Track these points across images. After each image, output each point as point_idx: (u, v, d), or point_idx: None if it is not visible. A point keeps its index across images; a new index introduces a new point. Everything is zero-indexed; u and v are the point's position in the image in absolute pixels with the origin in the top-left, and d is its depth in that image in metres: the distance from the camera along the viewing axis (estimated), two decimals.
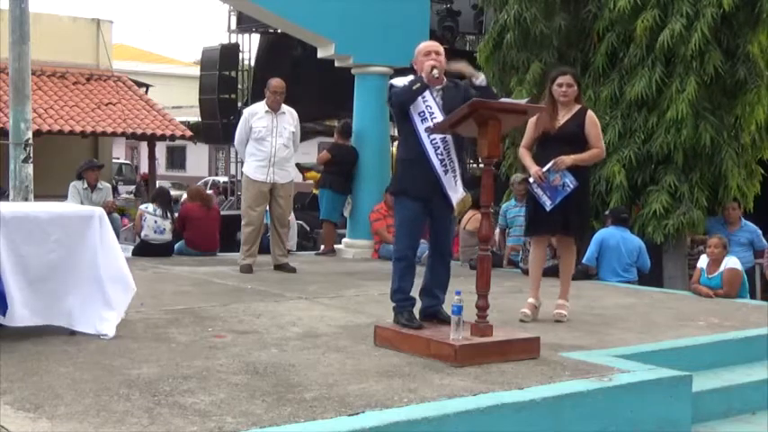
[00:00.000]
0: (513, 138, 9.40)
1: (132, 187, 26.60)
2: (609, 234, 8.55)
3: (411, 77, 5.03)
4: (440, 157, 4.95)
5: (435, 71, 4.91)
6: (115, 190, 17.71)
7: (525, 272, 8.48)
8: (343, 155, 10.55)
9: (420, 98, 4.97)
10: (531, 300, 6.08)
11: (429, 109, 4.97)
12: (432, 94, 5.01)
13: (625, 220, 8.75)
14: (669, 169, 9.04)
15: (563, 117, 5.98)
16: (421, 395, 3.87)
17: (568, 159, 5.81)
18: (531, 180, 5.98)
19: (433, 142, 4.95)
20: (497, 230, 9.44)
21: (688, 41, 8.66)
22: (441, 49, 5.13)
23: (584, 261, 8.44)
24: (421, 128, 4.97)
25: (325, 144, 15.98)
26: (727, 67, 8.89)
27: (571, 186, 5.80)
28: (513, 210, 9.47)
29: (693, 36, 8.61)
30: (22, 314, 4.63)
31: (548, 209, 5.86)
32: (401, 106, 5.03)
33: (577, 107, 6.03)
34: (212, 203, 10.50)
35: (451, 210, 5.02)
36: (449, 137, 4.96)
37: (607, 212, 8.99)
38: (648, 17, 8.86)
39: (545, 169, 5.83)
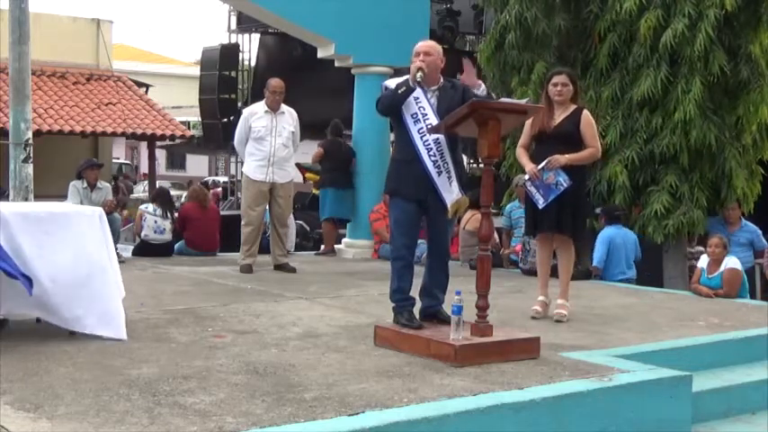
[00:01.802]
0: (514, 137, 9.38)
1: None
2: (614, 233, 8.60)
3: (403, 78, 5.03)
4: (432, 158, 4.94)
5: (419, 74, 4.87)
6: None
7: (525, 272, 8.50)
8: (335, 150, 10.57)
9: (413, 99, 4.95)
10: (541, 297, 6.12)
11: (422, 110, 4.96)
12: (426, 95, 4.99)
13: (618, 217, 8.79)
14: (670, 169, 9.04)
15: (559, 116, 6.01)
16: (421, 395, 3.87)
17: (562, 158, 5.83)
18: (526, 178, 6.01)
19: (426, 143, 4.94)
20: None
21: (693, 42, 8.65)
22: (432, 48, 5.06)
23: (594, 264, 8.45)
24: (413, 129, 4.96)
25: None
26: (730, 68, 8.89)
27: (564, 185, 5.82)
28: (517, 211, 9.47)
29: (698, 37, 8.61)
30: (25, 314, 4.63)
31: (540, 207, 5.90)
32: (387, 110, 5.03)
33: (573, 107, 6.05)
34: (208, 202, 10.44)
35: (446, 210, 5.01)
36: (442, 138, 4.93)
37: (599, 211, 8.99)
38: (652, 17, 8.85)
39: (539, 167, 5.85)
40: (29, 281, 4.49)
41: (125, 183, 24.00)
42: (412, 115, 4.96)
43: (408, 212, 5.03)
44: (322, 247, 10.90)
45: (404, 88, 4.90)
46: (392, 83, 5.08)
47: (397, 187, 5.08)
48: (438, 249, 5.18)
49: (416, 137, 4.94)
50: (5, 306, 4.61)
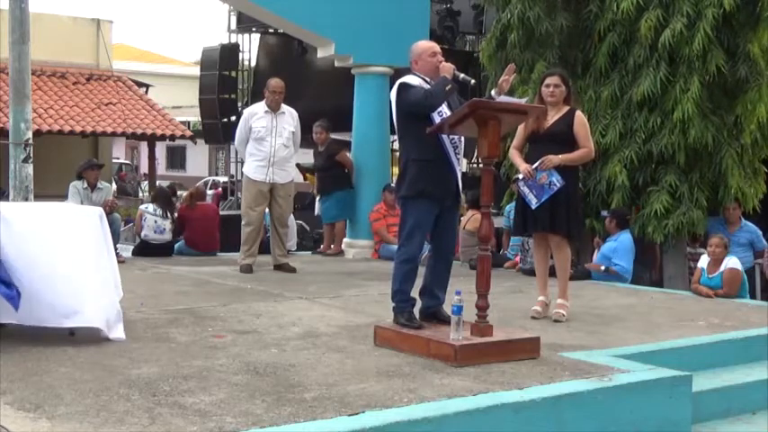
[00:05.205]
0: (513, 138, 9.38)
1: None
2: (630, 238, 8.59)
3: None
4: (458, 156, 5.03)
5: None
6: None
7: (524, 272, 8.50)
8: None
9: None
10: (540, 297, 6.14)
11: (443, 107, 5.00)
12: None
13: (628, 221, 8.80)
14: (669, 169, 9.03)
15: (552, 117, 6.05)
16: (421, 395, 3.87)
17: (556, 159, 5.86)
18: (519, 177, 6.04)
19: (453, 142, 4.98)
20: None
21: (691, 41, 8.65)
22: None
23: (625, 275, 8.40)
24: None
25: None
26: (728, 67, 8.88)
27: (557, 185, 5.84)
28: None
29: (697, 36, 8.61)
30: (24, 314, 4.62)
31: (533, 207, 5.92)
32: (434, 108, 4.95)
33: (566, 108, 6.07)
34: (195, 201, 10.36)
35: (458, 210, 5.04)
36: (463, 137, 5.00)
37: (605, 214, 8.96)
38: (652, 17, 8.85)
39: (533, 167, 5.88)
40: (17, 293, 4.48)
41: (120, 184, 23.89)
42: (438, 113, 4.97)
43: (432, 214, 5.02)
44: (322, 246, 10.89)
45: (450, 86, 4.92)
46: (412, 80, 5.06)
47: (425, 188, 4.96)
48: (446, 250, 5.21)
49: (444, 135, 4.95)
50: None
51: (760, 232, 9.31)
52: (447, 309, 4.88)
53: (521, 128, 6.11)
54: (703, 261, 7.79)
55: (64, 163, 15.04)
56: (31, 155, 7.08)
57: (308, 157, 12.16)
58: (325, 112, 11.48)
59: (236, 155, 17.91)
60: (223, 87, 18.73)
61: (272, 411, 3.56)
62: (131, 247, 10.31)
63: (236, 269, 8.32)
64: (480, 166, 5.68)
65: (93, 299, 4.80)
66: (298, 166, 11.32)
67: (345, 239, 10.65)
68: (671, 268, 9.64)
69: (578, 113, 6.11)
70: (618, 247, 8.46)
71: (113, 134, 19.45)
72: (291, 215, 9.46)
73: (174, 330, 5.22)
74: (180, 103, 30.99)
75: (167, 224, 9.77)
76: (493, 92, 5.03)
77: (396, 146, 10.14)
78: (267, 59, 18.73)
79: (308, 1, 10.04)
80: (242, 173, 9.38)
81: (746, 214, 9.40)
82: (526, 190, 5.96)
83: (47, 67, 19.26)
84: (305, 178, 13.93)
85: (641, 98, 8.98)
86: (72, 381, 3.95)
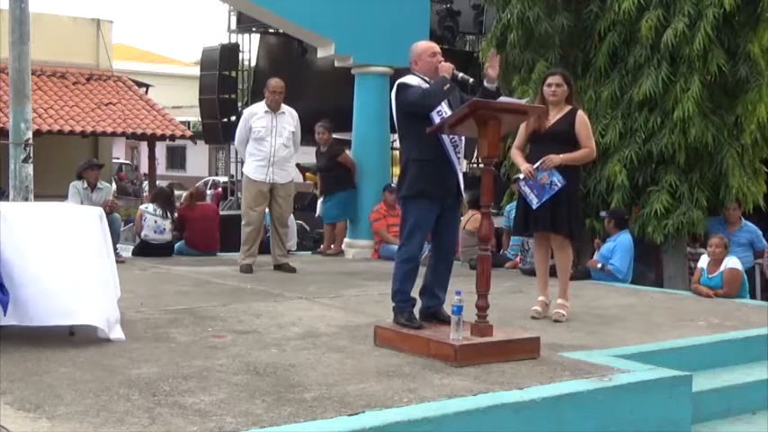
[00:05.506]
0: (513, 138, 9.37)
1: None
2: (629, 238, 8.54)
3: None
4: (458, 155, 5.02)
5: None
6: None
7: (524, 272, 8.50)
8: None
9: None
10: (541, 297, 6.14)
11: (442, 106, 5.00)
12: None
13: (627, 221, 8.77)
14: (669, 169, 9.04)
15: (553, 117, 6.05)
16: (421, 395, 3.87)
17: (557, 158, 5.85)
18: (520, 177, 6.04)
19: (453, 141, 4.98)
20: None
21: (692, 41, 8.66)
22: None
23: (622, 277, 8.35)
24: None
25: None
26: (729, 67, 8.89)
27: (558, 185, 5.84)
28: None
29: (697, 36, 8.61)
30: (23, 314, 4.62)
31: (534, 207, 5.92)
32: (432, 108, 4.96)
33: (568, 107, 6.07)
34: (195, 201, 10.35)
35: (459, 209, 5.03)
36: (458, 137, 5.00)
37: (604, 214, 8.94)
38: (653, 17, 8.86)
39: (534, 167, 5.88)
40: (6, 297, 4.48)
41: (121, 185, 23.75)
42: (437, 112, 4.97)
43: (432, 214, 5.01)
44: (322, 246, 10.88)
45: (448, 85, 4.92)
46: (411, 81, 5.07)
47: (426, 188, 4.96)
48: (447, 249, 5.21)
49: (444, 134, 4.95)
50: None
51: (760, 232, 9.31)
52: (447, 309, 4.88)
53: (522, 127, 6.11)
54: (703, 261, 7.78)
55: (64, 163, 15.03)
56: (31, 155, 7.09)
57: (308, 156, 12.15)
58: (326, 112, 11.48)
59: (236, 155, 17.89)
60: (223, 87, 18.71)
61: (272, 411, 3.56)
62: (131, 247, 10.31)
63: (236, 269, 8.32)
64: (480, 166, 5.68)
65: (93, 299, 4.79)
66: (298, 165, 11.32)
67: (345, 239, 10.65)
68: (671, 268, 9.64)
69: (580, 113, 6.11)
70: (616, 247, 8.45)
71: (113, 134, 19.45)
72: (291, 215, 9.45)
73: (174, 330, 5.22)
74: (180, 103, 30.99)
75: (167, 224, 9.77)
76: (485, 82, 5.00)
77: (397, 145, 10.16)
78: (267, 59, 18.72)
79: (308, 1, 10.05)
80: (242, 173, 9.38)
81: (747, 214, 9.40)
82: (527, 190, 5.96)
83: (47, 67, 19.25)
84: (305, 178, 13.93)
85: (642, 98, 8.98)
86: (72, 381, 3.95)
